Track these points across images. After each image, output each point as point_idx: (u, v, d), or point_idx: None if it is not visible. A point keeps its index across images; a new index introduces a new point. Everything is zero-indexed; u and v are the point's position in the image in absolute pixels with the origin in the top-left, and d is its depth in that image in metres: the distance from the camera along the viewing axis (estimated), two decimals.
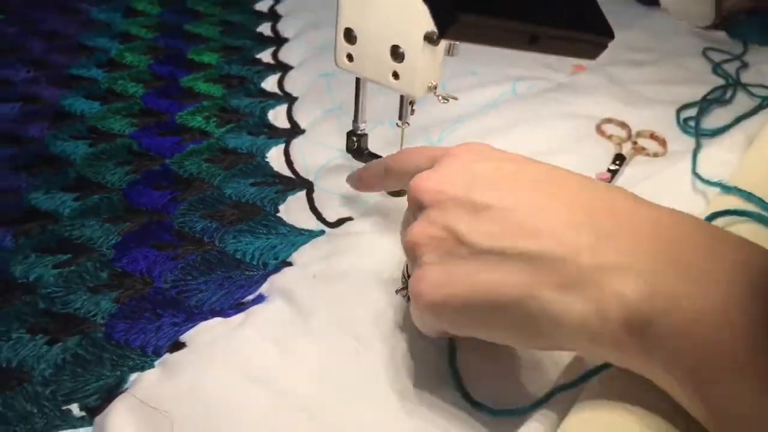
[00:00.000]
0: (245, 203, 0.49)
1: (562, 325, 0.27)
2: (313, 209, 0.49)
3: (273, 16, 0.77)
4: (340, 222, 0.47)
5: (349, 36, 0.45)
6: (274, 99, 0.61)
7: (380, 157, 0.49)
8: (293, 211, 0.48)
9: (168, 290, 0.41)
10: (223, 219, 0.47)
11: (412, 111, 0.48)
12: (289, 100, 0.61)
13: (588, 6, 0.27)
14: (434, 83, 0.44)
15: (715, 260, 0.25)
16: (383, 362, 0.36)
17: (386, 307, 0.40)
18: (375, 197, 0.50)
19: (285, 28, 0.74)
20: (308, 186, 0.51)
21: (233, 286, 0.42)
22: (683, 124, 0.61)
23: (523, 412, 0.32)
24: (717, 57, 0.74)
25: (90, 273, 0.42)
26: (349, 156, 0.54)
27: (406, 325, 0.39)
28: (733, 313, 0.23)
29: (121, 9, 0.75)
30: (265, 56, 0.68)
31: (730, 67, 0.72)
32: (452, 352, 0.36)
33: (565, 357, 0.35)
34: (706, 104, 0.64)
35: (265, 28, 0.74)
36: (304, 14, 0.76)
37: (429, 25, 0.43)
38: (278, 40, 0.71)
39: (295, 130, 0.57)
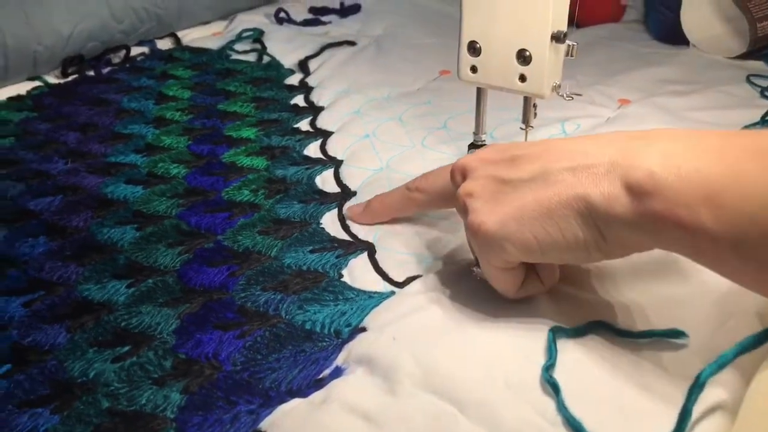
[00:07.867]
0: (307, 271, 0.46)
1: (601, 210, 0.32)
2: (379, 270, 0.45)
3: (304, 88, 0.76)
4: (409, 280, 0.44)
5: (473, 48, 0.48)
6: (320, 164, 0.59)
7: None
8: (357, 274, 0.45)
9: (239, 373, 0.38)
10: (286, 289, 0.44)
11: (535, 114, 0.49)
12: (335, 163, 0.59)
13: None
14: (558, 83, 0.47)
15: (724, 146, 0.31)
16: (486, 425, 0.32)
17: (481, 363, 0.36)
18: (441, 254, 0.46)
19: (318, 98, 0.73)
20: (369, 247, 0.48)
21: (308, 361, 0.38)
22: None
23: None
24: (762, 83, 0.72)
25: (153, 363, 0.39)
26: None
27: (510, 380, 0.35)
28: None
29: (152, 96, 0.75)
30: (303, 125, 0.67)
31: None
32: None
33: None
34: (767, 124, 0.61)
35: (298, 100, 0.73)
36: (334, 84, 0.76)
37: (554, 25, 0.44)
38: (314, 109, 0.70)
39: (346, 193, 0.55)
